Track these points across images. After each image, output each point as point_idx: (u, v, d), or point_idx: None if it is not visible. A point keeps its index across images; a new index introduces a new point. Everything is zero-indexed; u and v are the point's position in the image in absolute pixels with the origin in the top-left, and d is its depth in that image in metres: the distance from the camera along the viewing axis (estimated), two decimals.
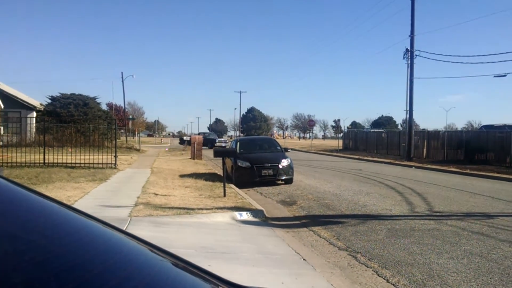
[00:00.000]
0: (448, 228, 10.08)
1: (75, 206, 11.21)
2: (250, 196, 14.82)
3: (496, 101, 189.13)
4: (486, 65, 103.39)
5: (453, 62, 44.40)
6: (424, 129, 62.58)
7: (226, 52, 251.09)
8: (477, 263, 7.38)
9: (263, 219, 11.20)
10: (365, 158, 39.54)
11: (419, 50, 34.58)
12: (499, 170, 26.33)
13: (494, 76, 33.72)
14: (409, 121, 36.39)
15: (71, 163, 22.09)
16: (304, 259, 7.65)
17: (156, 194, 13.76)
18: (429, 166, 30.70)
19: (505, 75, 31.51)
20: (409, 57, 34.18)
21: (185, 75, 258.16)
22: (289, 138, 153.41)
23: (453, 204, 13.53)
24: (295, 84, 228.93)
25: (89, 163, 22.30)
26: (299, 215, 11.98)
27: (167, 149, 52.18)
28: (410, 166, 30.99)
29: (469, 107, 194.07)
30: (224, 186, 14.04)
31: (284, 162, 17.92)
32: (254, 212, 11.55)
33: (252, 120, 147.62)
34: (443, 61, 40.90)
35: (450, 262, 7.46)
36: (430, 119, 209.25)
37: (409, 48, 34.13)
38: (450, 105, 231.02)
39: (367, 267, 7.32)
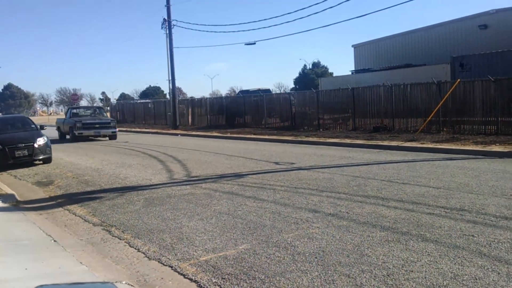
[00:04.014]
0: (202, 191, 10.63)
1: None
2: (2, 181, 13.69)
3: (253, 67, 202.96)
4: (240, 34, 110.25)
5: (207, 31, 46.38)
6: (192, 97, 64.61)
7: None
8: (223, 221, 7.92)
9: (13, 204, 10.43)
10: (133, 129, 39.49)
11: (176, 20, 35.45)
12: (256, 132, 28.63)
13: (245, 44, 36.21)
14: (173, 90, 37.17)
15: None
16: (55, 241, 7.36)
17: None
18: (194, 133, 31.94)
19: (254, 43, 34.14)
20: (167, 27, 34.73)
21: None
22: (55, 114, 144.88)
23: (209, 167, 14.29)
24: (57, 57, 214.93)
25: None
26: (55, 195, 11.45)
27: None
28: (176, 134, 31.87)
29: (232, 74, 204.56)
30: None
31: (41, 141, 16.85)
32: (3, 197, 10.74)
33: (11, 98, 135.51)
34: (198, 30, 43.14)
35: (200, 223, 7.88)
36: (197, 87, 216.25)
37: (166, 18, 34.64)
38: (214, 72, 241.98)
39: (120, 239, 7.34)
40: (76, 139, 27.92)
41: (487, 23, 38.18)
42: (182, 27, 52.86)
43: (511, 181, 10.25)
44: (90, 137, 28.86)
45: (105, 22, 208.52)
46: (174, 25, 34.71)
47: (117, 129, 29.74)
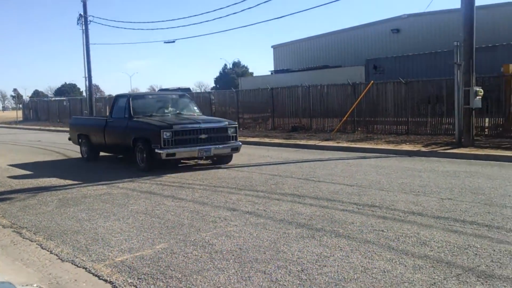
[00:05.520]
0: (119, 191, 10.43)
1: None
2: None
3: (174, 65, 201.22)
4: (160, 31, 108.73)
5: (125, 28, 45.50)
6: (110, 95, 63.02)
7: None
8: (141, 221, 7.82)
9: None
10: (47, 128, 38.04)
11: (93, 16, 34.35)
12: None
13: (164, 42, 35.89)
14: (89, 88, 36.13)
15: None
16: None
17: None
18: None
19: (173, 41, 33.89)
20: (83, 23, 33.70)
21: None
22: None
23: None
24: None
25: None
26: None
27: None
28: None
29: (152, 72, 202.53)
30: None
31: None
32: None
33: None
34: (115, 26, 41.93)
35: (116, 223, 7.74)
36: (116, 85, 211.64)
37: (82, 13, 33.61)
38: (134, 70, 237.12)
39: (32, 241, 7.06)
40: (154, 165, 13.13)
41: (399, 27, 40.03)
42: (99, 23, 51.44)
43: (419, 179, 10.81)
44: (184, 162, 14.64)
45: (18, 16, 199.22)
46: (90, 21, 33.71)
47: (240, 143, 14.20)
